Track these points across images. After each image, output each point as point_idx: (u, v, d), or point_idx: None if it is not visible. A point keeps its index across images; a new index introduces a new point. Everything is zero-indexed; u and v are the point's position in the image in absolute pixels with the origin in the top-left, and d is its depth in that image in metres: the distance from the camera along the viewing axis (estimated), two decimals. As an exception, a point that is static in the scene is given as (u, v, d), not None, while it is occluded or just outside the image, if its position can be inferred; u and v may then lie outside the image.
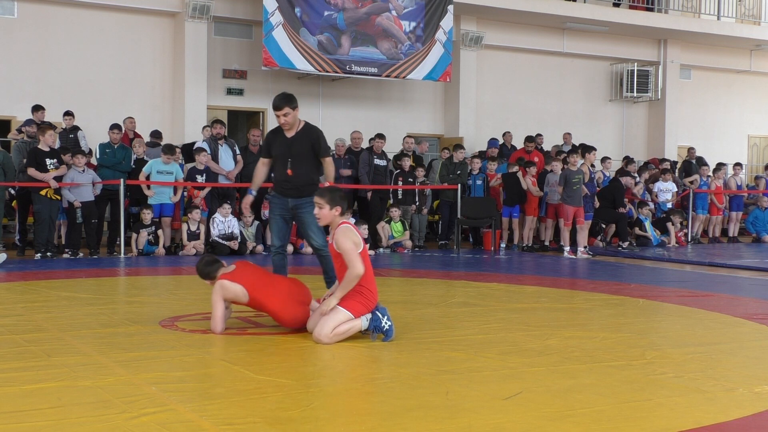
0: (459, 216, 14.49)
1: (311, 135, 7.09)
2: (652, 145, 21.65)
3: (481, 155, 16.17)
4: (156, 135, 14.31)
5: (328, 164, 7.22)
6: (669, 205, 16.57)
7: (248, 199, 7.50)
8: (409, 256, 13.20)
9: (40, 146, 11.78)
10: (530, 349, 5.41)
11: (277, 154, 7.08)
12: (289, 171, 6.98)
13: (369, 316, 5.63)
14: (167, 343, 5.51)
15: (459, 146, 15.40)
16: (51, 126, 12.53)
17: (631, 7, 20.82)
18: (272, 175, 7.25)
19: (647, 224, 15.79)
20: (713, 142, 22.50)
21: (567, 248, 13.39)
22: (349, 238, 5.64)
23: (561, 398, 4.15)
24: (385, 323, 5.62)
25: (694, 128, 22.33)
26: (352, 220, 13.17)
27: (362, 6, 16.86)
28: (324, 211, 5.78)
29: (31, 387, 4.23)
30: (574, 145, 17.33)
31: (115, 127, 13.03)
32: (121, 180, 12.45)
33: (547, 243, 14.76)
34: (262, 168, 7.28)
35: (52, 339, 5.55)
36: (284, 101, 6.89)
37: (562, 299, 8.21)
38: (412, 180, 14.53)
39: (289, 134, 7.03)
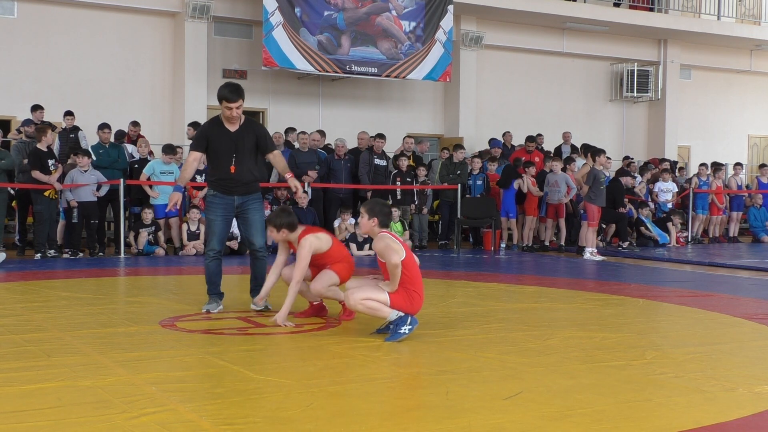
0: (459, 216, 14.49)
1: (256, 129, 6.77)
2: (652, 145, 21.65)
3: (482, 155, 16.16)
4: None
5: (279, 157, 6.90)
6: (669, 206, 16.57)
7: (176, 196, 6.93)
8: (409, 256, 13.17)
9: (39, 146, 11.78)
10: (530, 349, 5.41)
11: (219, 149, 6.63)
12: (232, 168, 6.61)
13: (401, 314, 5.64)
14: (167, 343, 5.51)
15: (459, 146, 15.39)
16: (50, 126, 12.53)
17: (631, 7, 20.82)
18: (205, 172, 6.81)
19: (649, 224, 15.79)
20: (713, 142, 22.52)
21: (591, 249, 13.13)
22: (383, 240, 5.67)
23: (561, 398, 4.15)
24: (405, 329, 5.63)
25: (694, 128, 22.34)
26: (352, 221, 13.19)
27: (362, 6, 16.86)
28: (363, 221, 5.89)
29: (31, 387, 4.22)
30: (573, 145, 17.36)
31: (105, 126, 13.01)
32: (121, 180, 12.45)
33: (547, 243, 14.75)
34: (193, 163, 6.78)
35: (51, 339, 5.55)
36: (239, 93, 6.51)
37: (562, 299, 8.21)
38: (410, 180, 14.52)
39: (233, 128, 6.64)
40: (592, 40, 20.45)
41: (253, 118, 17.41)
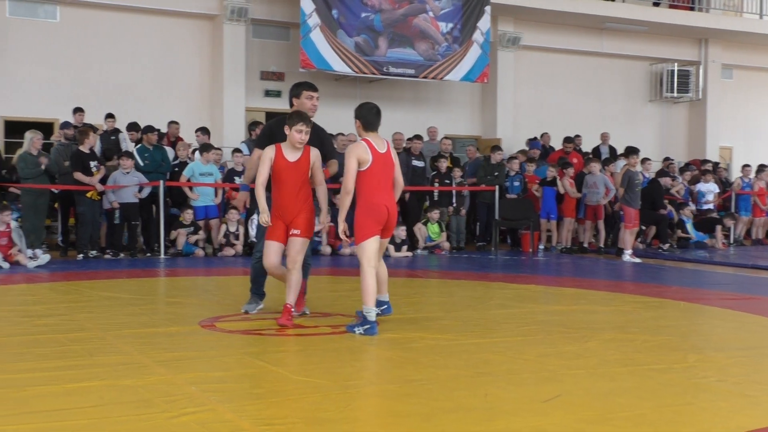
0: (497, 217, 14.42)
1: (321, 133, 6.70)
2: (693, 146, 21.38)
3: (524, 155, 16.05)
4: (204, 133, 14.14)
5: (335, 165, 6.72)
6: (710, 206, 16.34)
7: (244, 196, 6.78)
8: (446, 258, 13.17)
9: (81, 148, 11.95)
10: (569, 352, 5.37)
11: None
12: None
13: (369, 311, 5.89)
14: (207, 344, 5.56)
15: (497, 147, 15.32)
16: (92, 128, 12.70)
17: (671, 7, 20.59)
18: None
19: (689, 225, 15.60)
20: (756, 143, 22.17)
21: (629, 251, 12.99)
22: (352, 150, 6.03)
23: (601, 401, 4.11)
24: (359, 330, 5.85)
25: (736, 128, 22.02)
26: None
27: (399, 7, 16.87)
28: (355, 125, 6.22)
29: (74, 386, 4.28)
30: (611, 146, 17.21)
31: (149, 129, 13.09)
32: (161, 182, 12.57)
33: (586, 245, 14.62)
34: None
35: (94, 339, 5.62)
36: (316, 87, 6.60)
37: (601, 301, 8.14)
38: (448, 181, 14.49)
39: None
40: (632, 40, 20.25)
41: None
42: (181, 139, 14.16)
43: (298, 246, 6.20)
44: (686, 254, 13.99)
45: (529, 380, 4.56)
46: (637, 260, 12.74)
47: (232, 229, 12.76)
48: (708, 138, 21.15)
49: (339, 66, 16.28)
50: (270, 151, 6.25)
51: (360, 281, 5.93)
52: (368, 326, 5.83)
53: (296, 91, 6.66)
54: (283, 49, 17.15)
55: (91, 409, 3.84)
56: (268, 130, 6.72)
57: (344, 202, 6.01)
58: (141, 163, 12.66)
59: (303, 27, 15.84)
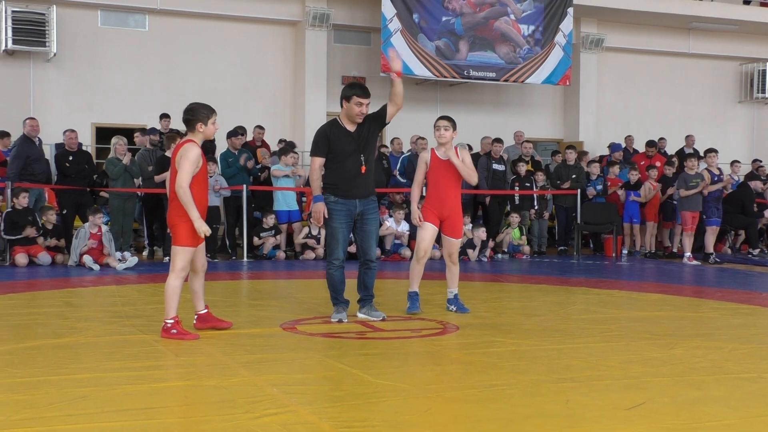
0: (578, 221, 14.21)
1: (370, 117, 6.60)
2: (786, 148, 20.72)
3: (602, 160, 15.81)
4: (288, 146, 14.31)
5: (397, 86, 6.65)
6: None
7: (321, 207, 6.54)
8: (527, 262, 13.05)
9: (167, 153, 12.25)
10: (654, 359, 5.25)
11: (344, 151, 6.50)
12: (363, 168, 6.51)
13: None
14: (288, 346, 5.62)
15: (570, 147, 15.09)
16: (179, 134, 12.99)
17: (762, 4, 20.00)
18: (324, 177, 6.52)
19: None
20: None
21: (688, 254, 12.88)
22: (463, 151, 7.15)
23: (687, 410, 4.01)
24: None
25: (831, 129, 21.23)
26: (470, 226, 13.10)
27: (480, 11, 16.80)
28: (449, 134, 7.01)
29: (161, 385, 4.39)
30: (695, 149, 16.80)
31: (234, 133, 13.31)
32: (244, 186, 12.78)
33: (675, 250, 14.25)
34: (318, 170, 6.55)
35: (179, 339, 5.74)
36: (368, 91, 6.58)
37: (687, 308, 7.94)
38: (529, 185, 14.36)
39: (353, 128, 6.55)
40: (720, 40, 19.73)
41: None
42: (267, 145, 14.38)
43: None
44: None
45: (612, 387, 4.47)
46: (696, 263, 12.52)
47: (314, 232, 12.89)
48: (802, 140, 20.46)
49: (420, 70, 16.31)
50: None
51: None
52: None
53: (348, 93, 6.53)
54: (364, 53, 17.26)
55: (176, 408, 3.93)
56: (323, 136, 6.57)
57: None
58: (225, 166, 12.93)
59: (384, 31, 15.92)
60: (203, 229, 5.72)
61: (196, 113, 6.07)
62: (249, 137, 14.37)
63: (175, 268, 5.82)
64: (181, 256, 5.80)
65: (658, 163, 15.11)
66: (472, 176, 7.13)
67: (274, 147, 14.56)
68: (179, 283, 5.85)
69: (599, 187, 14.54)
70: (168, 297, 5.80)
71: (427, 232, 7.03)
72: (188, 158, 5.78)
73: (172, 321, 5.79)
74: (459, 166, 6.97)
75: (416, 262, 7.10)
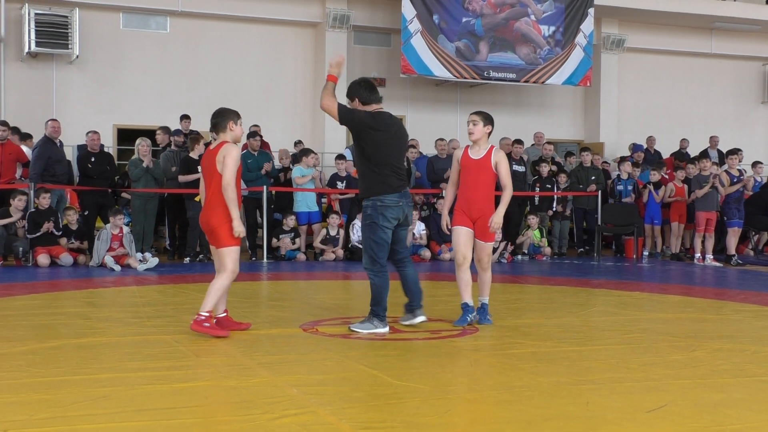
0: (599, 223, 14.14)
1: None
2: (810, 149, 20.50)
3: (624, 160, 15.70)
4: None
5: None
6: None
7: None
8: (547, 264, 13.00)
9: (191, 155, 12.33)
10: (675, 361, 5.22)
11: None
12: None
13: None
14: (308, 347, 5.63)
15: (585, 149, 15.00)
16: (201, 136, 13.06)
17: (785, 4, 19.80)
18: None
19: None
20: None
21: (698, 255, 12.93)
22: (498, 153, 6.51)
23: (709, 413, 3.98)
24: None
25: None
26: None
27: (500, 11, 16.76)
28: (478, 128, 6.48)
29: (181, 385, 4.41)
30: (719, 150, 16.67)
31: (253, 134, 13.35)
32: (264, 187, 12.81)
33: (698, 253, 14.13)
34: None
35: (199, 339, 5.77)
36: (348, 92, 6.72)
37: (709, 310, 7.88)
38: (549, 186, 14.30)
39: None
40: (743, 40, 19.57)
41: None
42: (284, 150, 14.43)
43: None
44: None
45: (633, 389, 4.45)
46: (718, 264, 12.56)
47: (333, 233, 12.91)
48: (825, 140, 20.25)
49: (440, 71, 16.29)
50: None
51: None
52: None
53: (368, 97, 6.68)
54: (385, 55, 17.27)
55: (196, 409, 3.95)
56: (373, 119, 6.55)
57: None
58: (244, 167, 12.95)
59: (404, 33, 15.93)
60: (240, 230, 5.85)
61: (226, 114, 6.17)
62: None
63: (227, 269, 5.92)
64: (231, 257, 5.92)
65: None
66: (505, 185, 6.52)
67: (291, 149, 14.56)
68: (228, 283, 5.97)
69: (630, 187, 14.41)
70: (211, 292, 5.88)
71: (460, 236, 6.47)
72: (233, 156, 5.88)
73: (206, 314, 5.85)
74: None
75: (457, 270, 6.51)
